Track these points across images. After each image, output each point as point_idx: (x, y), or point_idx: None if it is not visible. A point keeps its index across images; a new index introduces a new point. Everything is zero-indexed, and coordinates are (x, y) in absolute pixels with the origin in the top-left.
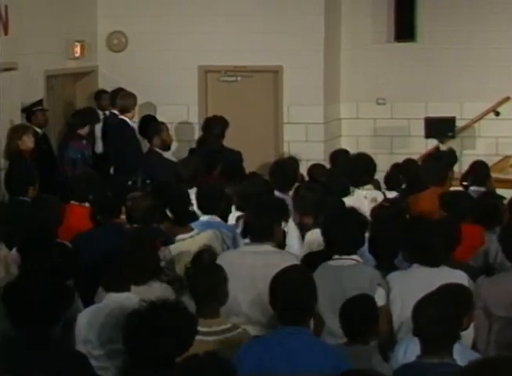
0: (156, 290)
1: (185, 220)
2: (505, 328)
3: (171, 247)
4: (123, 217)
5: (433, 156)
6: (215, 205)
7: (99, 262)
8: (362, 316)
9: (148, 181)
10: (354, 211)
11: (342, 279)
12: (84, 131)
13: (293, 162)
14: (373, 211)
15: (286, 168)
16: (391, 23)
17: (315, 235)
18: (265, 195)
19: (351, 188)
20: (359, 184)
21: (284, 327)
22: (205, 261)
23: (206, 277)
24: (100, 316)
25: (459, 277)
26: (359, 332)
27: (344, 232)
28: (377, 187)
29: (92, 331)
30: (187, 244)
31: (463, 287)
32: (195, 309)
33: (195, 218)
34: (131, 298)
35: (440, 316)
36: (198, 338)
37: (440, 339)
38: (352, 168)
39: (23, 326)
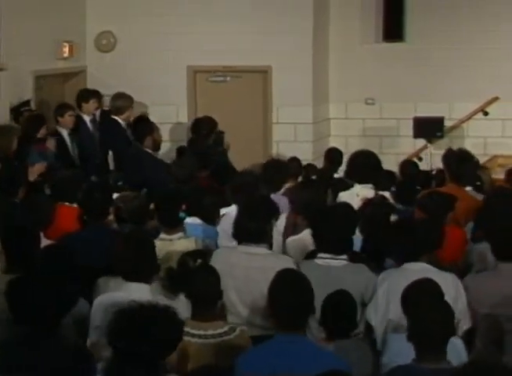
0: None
1: (173, 222)
2: (490, 326)
3: None
4: (110, 217)
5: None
6: (201, 208)
7: (88, 262)
8: (342, 312)
9: (120, 182)
10: (344, 209)
11: (335, 278)
12: (42, 133)
13: (290, 162)
14: (362, 210)
15: (277, 167)
16: (380, 24)
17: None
18: (255, 195)
19: (351, 183)
20: (360, 181)
21: (281, 334)
22: (197, 262)
23: (204, 279)
24: (117, 304)
25: (448, 278)
26: (339, 328)
27: (332, 229)
28: (383, 187)
29: (99, 314)
30: (162, 245)
31: (433, 283)
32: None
33: (181, 220)
34: (147, 290)
35: (438, 320)
36: (194, 340)
37: (436, 343)
38: (354, 164)
39: (26, 325)
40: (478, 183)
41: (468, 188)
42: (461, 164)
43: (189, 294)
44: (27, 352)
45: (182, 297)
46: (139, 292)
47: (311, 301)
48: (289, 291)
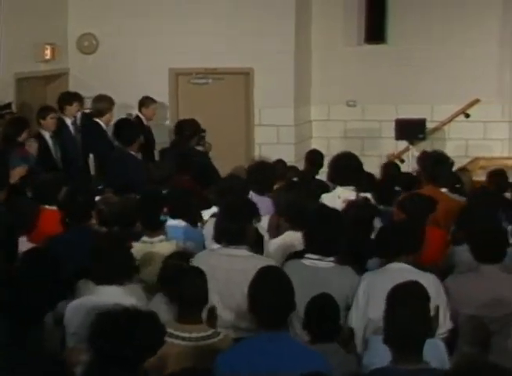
0: (130, 291)
1: (154, 224)
2: (472, 327)
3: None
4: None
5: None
6: (184, 209)
7: (72, 265)
8: (326, 316)
9: (100, 186)
10: (334, 211)
11: (322, 280)
12: (23, 137)
13: (276, 164)
14: (345, 212)
15: (264, 169)
16: (362, 25)
17: (288, 237)
18: (234, 197)
19: (333, 186)
20: (342, 184)
21: (263, 331)
22: (181, 264)
23: (192, 282)
24: (90, 308)
25: (428, 278)
26: (323, 331)
27: (327, 231)
28: (364, 189)
29: (80, 324)
30: (143, 247)
31: (418, 285)
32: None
33: (162, 222)
34: (120, 293)
35: (413, 321)
36: (177, 342)
37: (411, 344)
38: (335, 166)
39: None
40: (458, 185)
41: (444, 189)
42: (437, 165)
43: (176, 296)
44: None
45: (157, 299)
46: (110, 295)
47: (291, 299)
48: (269, 288)
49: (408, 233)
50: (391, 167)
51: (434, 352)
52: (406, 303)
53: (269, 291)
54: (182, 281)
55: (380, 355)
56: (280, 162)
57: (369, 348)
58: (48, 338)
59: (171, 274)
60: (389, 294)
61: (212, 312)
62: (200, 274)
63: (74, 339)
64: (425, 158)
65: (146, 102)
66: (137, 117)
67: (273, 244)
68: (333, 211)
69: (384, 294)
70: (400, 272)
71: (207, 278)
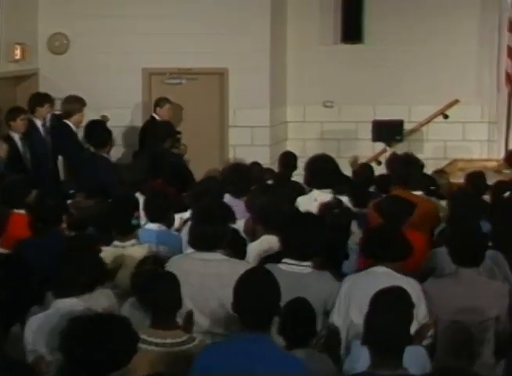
0: (100, 296)
1: (125, 228)
2: (449, 331)
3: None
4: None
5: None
6: (162, 213)
7: (43, 270)
8: (301, 320)
9: (72, 191)
10: (312, 215)
11: (299, 285)
12: None
13: (252, 166)
14: (321, 215)
15: (240, 171)
16: (338, 24)
17: (264, 242)
18: (209, 201)
19: (309, 188)
20: (318, 186)
21: (246, 332)
22: (154, 269)
23: (166, 287)
24: (49, 323)
25: (410, 284)
26: (298, 336)
27: (303, 236)
28: (341, 191)
29: (41, 339)
30: (114, 251)
31: (403, 292)
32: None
33: (134, 226)
34: (77, 304)
35: (392, 325)
36: (151, 348)
37: (392, 349)
38: (311, 169)
39: None
40: (432, 187)
41: (419, 192)
42: (406, 167)
43: (149, 302)
44: None
45: (129, 304)
46: (67, 308)
47: (277, 302)
48: (255, 289)
49: (402, 242)
50: (364, 168)
51: (416, 358)
52: (390, 308)
53: (255, 293)
54: (155, 287)
55: (361, 360)
56: (256, 165)
57: (351, 353)
58: (14, 346)
59: (143, 280)
60: (373, 298)
61: (189, 318)
62: (172, 279)
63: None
64: (394, 160)
65: (160, 102)
66: (152, 118)
67: (250, 248)
68: (309, 214)
69: (367, 298)
70: (383, 276)
71: (179, 283)
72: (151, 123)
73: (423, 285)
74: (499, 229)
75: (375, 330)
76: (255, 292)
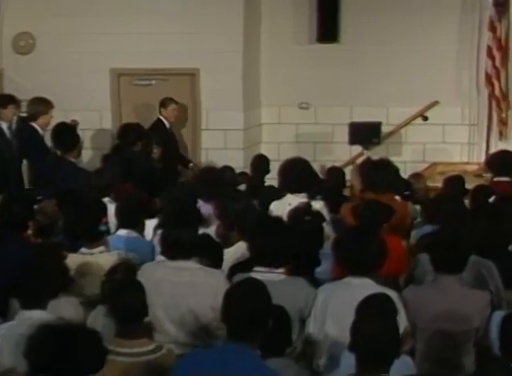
0: (66, 305)
1: (92, 235)
2: (430, 340)
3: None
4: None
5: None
6: (134, 219)
7: (8, 278)
8: (277, 329)
9: (40, 197)
10: (281, 220)
11: (273, 293)
12: None
13: (223, 170)
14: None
15: (212, 176)
16: (313, 24)
17: (239, 248)
18: (181, 206)
19: (283, 193)
20: (293, 191)
21: (230, 342)
22: (125, 276)
23: (130, 295)
24: (15, 333)
25: (390, 294)
26: (274, 345)
27: (271, 242)
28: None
29: (6, 350)
30: (82, 259)
31: (389, 299)
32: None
33: (102, 233)
34: (43, 315)
35: (379, 332)
36: (119, 359)
37: (380, 358)
38: (286, 173)
39: None
40: (407, 192)
41: (397, 197)
42: (375, 171)
43: (114, 310)
44: None
45: (96, 312)
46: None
47: (266, 314)
48: (244, 300)
49: (375, 253)
50: (335, 172)
51: (403, 368)
52: (378, 314)
53: (245, 304)
54: (117, 295)
55: (342, 368)
56: (228, 169)
57: (341, 365)
58: None
59: (108, 288)
60: (360, 305)
61: (149, 326)
62: (135, 286)
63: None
64: (364, 165)
65: (164, 102)
66: (159, 120)
67: (225, 255)
68: (279, 220)
69: (345, 310)
70: (360, 287)
71: (144, 290)
72: (157, 125)
73: (402, 293)
74: (484, 236)
75: (363, 338)
76: (245, 304)
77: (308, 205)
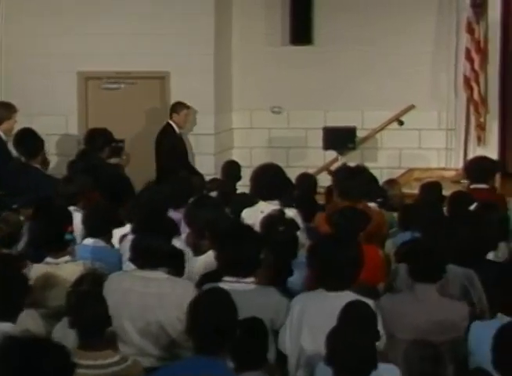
0: (27, 318)
1: (57, 244)
2: (407, 351)
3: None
4: None
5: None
6: (101, 228)
7: None
8: (253, 342)
9: (15, 205)
10: (249, 228)
11: (243, 304)
12: None
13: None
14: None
15: (180, 182)
16: (286, 25)
17: (209, 257)
18: (152, 214)
19: (255, 199)
20: (265, 198)
21: (199, 356)
22: (90, 287)
23: (93, 307)
24: None
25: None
26: (249, 359)
27: (239, 251)
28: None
29: None
30: (47, 269)
31: (368, 307)
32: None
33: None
34: (10, 327)
35: (355, 343)
36: (82, 371)
37: (355, 369)
38: (258, 179)
39: None
40: (379, 199)
41: (372, 204)
42: (350, 179)
43: (76, 322)
44: None
45: (61, 325)
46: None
47: (232, 325)
48: (209, 311)
49: (354, 259)
50: (306, 179)
51: None
52: (355, 324)
53: (210, 315)
54: (80, 307)
55: None
56: (197, 175)
57: None
58: None
59: (72, 300)
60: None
61: (112, 337)
62: (96, 297)
63: None
64: (337, 171)
65: (176, 107)
66: (168, 124)
67: (195, 264)
68: (249, 228)
69: (321, 321)
70: (339, 297)
71: (105, 300)
72: (167, 130)
73: (378, 301)
74: (465, 244)
75: (340, 349)
76: (209, 314)
77: (281, 213)
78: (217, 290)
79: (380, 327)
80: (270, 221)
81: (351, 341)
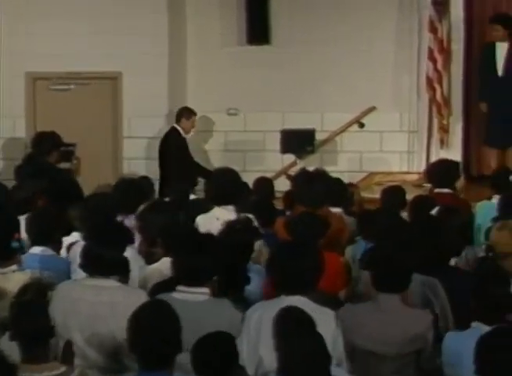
0: None
1: (4, 253)
2: (368, 363)
3: None
4: None
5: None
6: (47, 235)
7: None
8: (222, 355)
9: None
10: (206, 235)
11: (195, 316)
12: None
13: (141, 181)
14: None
15: (130, 187)
16: (243, 24)
17: (164, 265)
18: (103, 220)
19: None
20: (220, 203)
21: (142, 372)
22: (34, 297)
23: (35, 318)
24: None
25: (328, 315)
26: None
27: (194, 260)
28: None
29: None
30: None
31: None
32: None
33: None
34: None
35: (308, 353)
36: None
37: None
38: (213, 184)
39: None
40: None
41: (337, 209)
42: (307, 183)
43: (18, 334)
44: None
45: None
46: None
47: (175, 338)
48: (149, 326)
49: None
50: (264, 183)
51: None
52: (301, 332)
53: (150, 330)
54: (21, 318)
55: None
56: (145, 179)
57: None
58: None
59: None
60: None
61: (68, 347)
62: (38, 307)
63: None
64: (296, 176)
65: (185, 113)
66: (174, 129)
67: (148, 272)
68: (205, 235)
69: None
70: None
71: (46, 309)
72: (172, 134)
73: (338, 312)
74: (427, 251)
75: (291, 359)
76: (150, 329)
77: (246, 218)
78: (157, 302)
79: (341, 342)
80: (230, 225)
81: (301, 351)
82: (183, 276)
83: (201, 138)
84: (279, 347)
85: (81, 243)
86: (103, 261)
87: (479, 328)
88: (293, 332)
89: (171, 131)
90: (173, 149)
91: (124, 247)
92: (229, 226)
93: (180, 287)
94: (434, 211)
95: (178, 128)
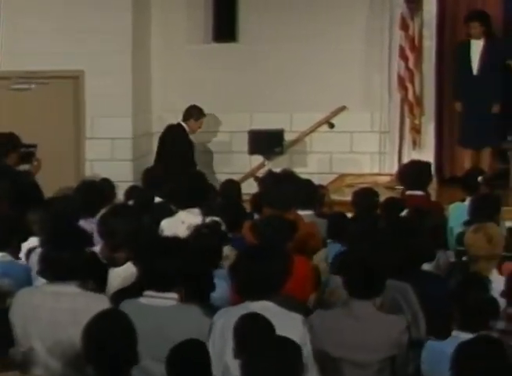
0: None
1: None
2: (339, 371)
3: None
4: None
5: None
6: (7, 240)
7: None
8: (198, 364)
9: None
10: (176, 240)
11: (163, 322)
12: None
13: (101, 183)
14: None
15: (90, 190)
16: (209, 21)
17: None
18: (62, 224)
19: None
20: (185, 206)
21: None
22: None
23: None
24: None
25: (294, 319)
26: None
27: (160, 264)
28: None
29: None
30: None
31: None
32: None
33: None
34: None
35: (270, 364)
36: None
37: None
38: (177, 187)
39: None
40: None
41: (309, 212)
42: (274, 186)
43: None
44: None
45: None
46: None
47: (131, 349)
48: (101, 338)
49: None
50: (231, 186)
51: None
52: (264, 339)
53: (105, 341)
54: None
55: None
56: (106, 181)
57: None
58: None
59: None
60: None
61: (27, 357)
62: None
63: None
64: (263, 178)
65: (195, 113)
66: (179, 125)
67: (112, 277)
68: (171, 239)
69: None
70: (263, 312)
71: (5, 317)
72: (176, 130)
73: (308, 318)
74: (397, 254)
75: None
76: (103, 342)
77: (214, 222)
78: (112, 313)
79: (310, 348)
80: (198, 229)
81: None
82: (150, 280)
83: None
84: (240, 356)
85: (39, 250)
86: (62, 265)
87: (459, 337)
88: (253, 341)
89: (176, 127)
90: (178, 148)
91: (83, 250)
92: (197, 230)
93: (148, 292)
94: (404, 213)
95: (186, 126)
